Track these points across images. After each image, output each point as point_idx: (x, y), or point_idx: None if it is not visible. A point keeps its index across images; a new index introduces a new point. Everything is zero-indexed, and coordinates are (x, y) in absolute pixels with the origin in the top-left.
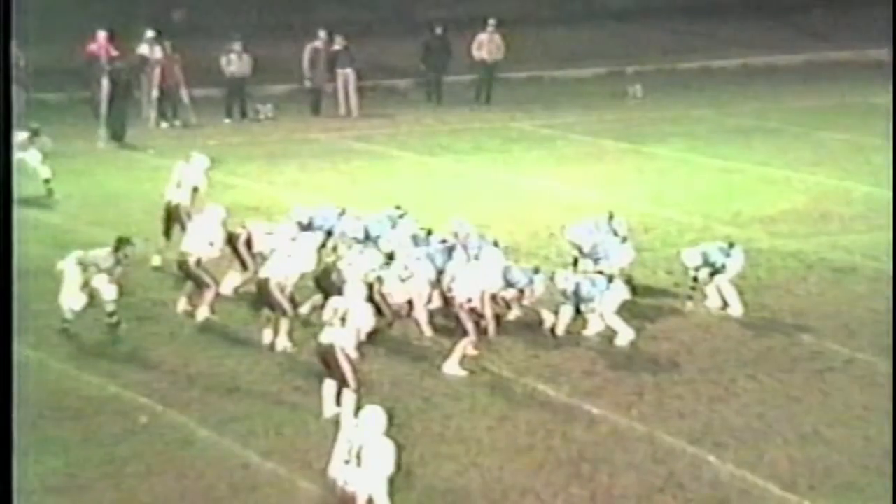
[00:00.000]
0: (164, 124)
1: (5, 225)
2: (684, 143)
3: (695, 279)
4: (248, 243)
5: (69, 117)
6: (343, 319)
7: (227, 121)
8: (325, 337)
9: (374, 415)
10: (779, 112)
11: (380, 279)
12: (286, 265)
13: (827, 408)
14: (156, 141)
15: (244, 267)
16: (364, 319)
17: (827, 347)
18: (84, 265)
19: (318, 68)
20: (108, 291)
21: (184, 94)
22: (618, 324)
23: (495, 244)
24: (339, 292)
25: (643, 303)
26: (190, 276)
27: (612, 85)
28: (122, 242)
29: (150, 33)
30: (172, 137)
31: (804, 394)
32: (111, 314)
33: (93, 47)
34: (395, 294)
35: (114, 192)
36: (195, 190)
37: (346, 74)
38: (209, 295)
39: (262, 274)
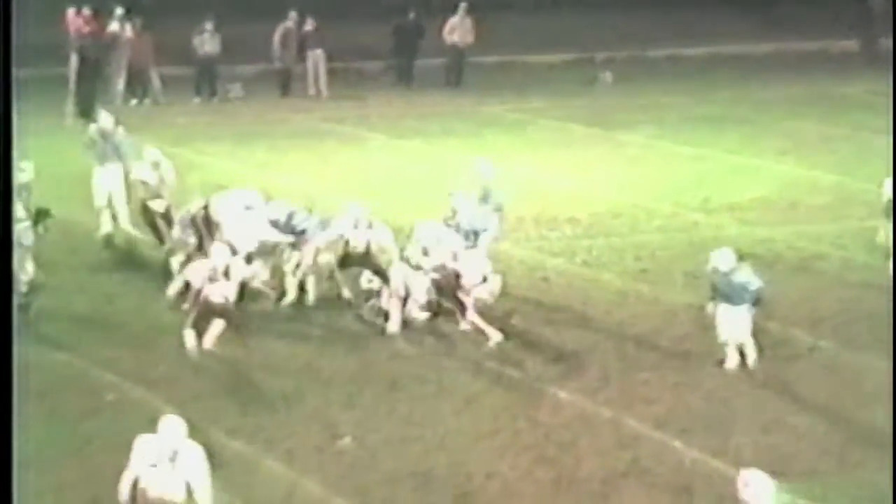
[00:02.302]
0: (133, 102)
1: (4, 224)
2: (653, 130)
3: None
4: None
5: (39, 93)
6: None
7: (196, 100)
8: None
9: (176, 423)
10: (747, 101)
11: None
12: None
13: (791, 395)
14: (125, 119)
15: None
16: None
17: (792, 335)
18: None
19: (289, 49)
20: (26, 270)
21: (153, 72)
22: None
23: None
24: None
25: (611, 287)
26: None
27: (581, 71)
28: (40, 215)
29: (119, 10)
30: (141, 115)
31: (769, 380)
32: (25, 294)
33: (64, 23)
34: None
35: (81, 170)
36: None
37: (317, 55)
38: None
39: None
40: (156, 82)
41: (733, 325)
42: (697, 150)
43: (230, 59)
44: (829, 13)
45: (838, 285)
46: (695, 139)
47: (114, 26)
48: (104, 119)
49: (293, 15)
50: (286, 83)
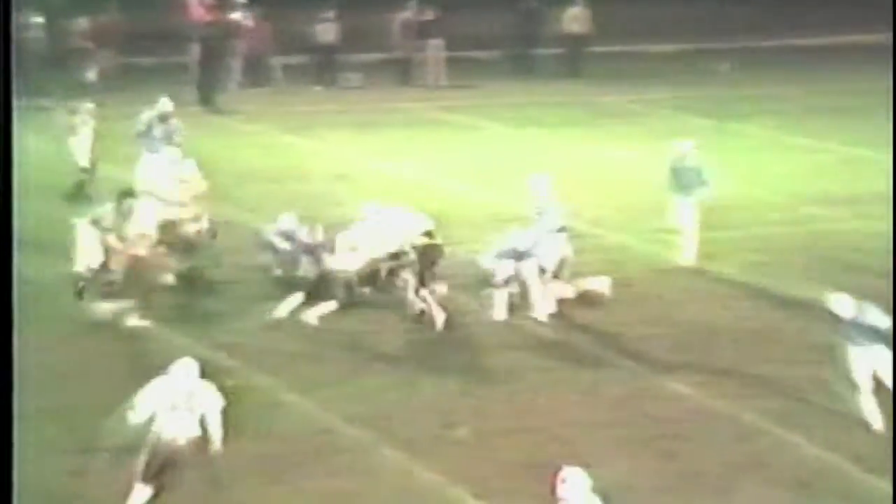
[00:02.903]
0: (253, 90)
1: (5, 223)
2: (771, 121)
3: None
4: None
5: (161, 81)
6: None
7: (316, 88)
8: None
9: (191, 365)
10: (864, 92)
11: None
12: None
13: None
14: (245, 106)
15: None
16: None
17: None
18: (96, 223)
19: (408, 38)
20: (114, 250)
21: (274, 60)
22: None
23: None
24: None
25: (730, 280)
26: None
27: (699, 61)
28: (123, 195)
29: None
30: (262, 103)
31: None
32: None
33: (186, 11)
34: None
35: (201, 158)
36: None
37: (436, 44)
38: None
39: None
40: (276, 71)
41: (877, 370)
42: (815, 142)
43: (349, 47)
44: None
45: None
46: (812, 130)
47: (235, 15)
48: (164, 105)
49: (413, 4)
50: (405, 72)
